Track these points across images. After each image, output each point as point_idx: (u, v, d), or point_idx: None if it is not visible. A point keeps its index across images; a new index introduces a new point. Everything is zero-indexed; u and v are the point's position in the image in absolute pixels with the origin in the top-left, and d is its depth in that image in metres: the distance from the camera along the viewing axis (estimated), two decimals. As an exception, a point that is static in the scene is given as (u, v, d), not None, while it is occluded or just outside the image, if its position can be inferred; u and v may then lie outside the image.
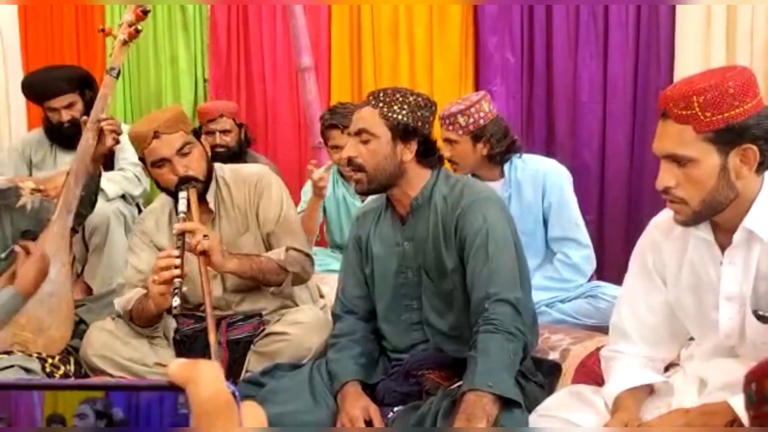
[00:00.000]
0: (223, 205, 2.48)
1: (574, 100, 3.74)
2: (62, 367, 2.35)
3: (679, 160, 1.52)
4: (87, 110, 3.06)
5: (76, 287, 3.03)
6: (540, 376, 2.04)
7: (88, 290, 3.21)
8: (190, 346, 2.42)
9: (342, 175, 3.32)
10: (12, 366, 2.21)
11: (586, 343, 2.24)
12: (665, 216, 1.72)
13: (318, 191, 3.17)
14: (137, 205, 3.47)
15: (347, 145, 2.09)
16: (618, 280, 2.17)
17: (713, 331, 1.65)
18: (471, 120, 2.74)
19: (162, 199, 2.55)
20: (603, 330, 2.37)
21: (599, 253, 3.09)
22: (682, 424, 1.54)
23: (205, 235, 2.18)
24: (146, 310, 2.29)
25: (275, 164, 3.93)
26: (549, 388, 2.04)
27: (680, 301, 1.71)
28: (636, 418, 1.62)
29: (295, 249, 2.44)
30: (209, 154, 2.48)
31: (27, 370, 2.23)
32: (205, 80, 4.55)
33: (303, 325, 2.36)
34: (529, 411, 1.82)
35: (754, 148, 1.49)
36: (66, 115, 3.32)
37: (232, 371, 2.33)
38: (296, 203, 3.42)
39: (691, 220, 1.58)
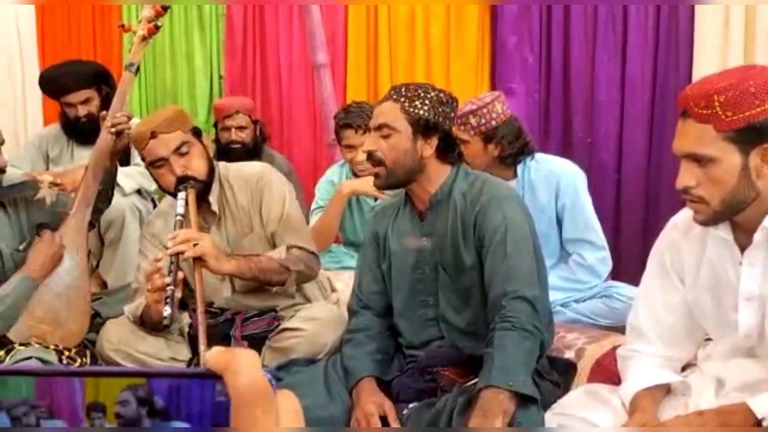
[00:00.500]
0: (228, 207, 2.45)
1: (592, 99, 3.73)
2: (79, 360, 2.37)
3: (699, 160, 1.51)
4: (104, 105, 3.08)
5: (92, 281, 3.05)
6: (555, 375, 2.04)
7: (103, 284, 3.23)
8: (204, 341, 2.42)
9: (355, 173, 3.32)
10: (29, 358, 2.23)
11: (602, 343, 2.24)
12: (684, 216, 1.71)
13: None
14: (152, 200, 3.49)
15: (367, 140, 2.09)
16: (635, 280, 2.15)
17: (731, 331, 1.64)
18: (483, 121, 2.72)
19: (170, 200, 2.54)
20: (618, 330, 2.36)
21: (616, 254, 3.07)
22: (699, 425, 1.53)
23: (195, 244, 2.13)
24: (151, 316, 2.24)
25: (290, 161, 3.94)
26: (564, 387, 2.04)
27: (698, 301, 1.70)
28: (653, 418, 1.61)
29: (298, 247, 2.41)
30: (213, 155, 2.46)
31: (44, 362, 2.24)
32: (220, 77, 4.56)
33: (318, 320, 2.36)
34: (544, 409, 1.81)
35: (775, 147, 1.48)
36: (82, 111, 3.35)
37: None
38: (310, 200, 3.44)
39: (711, 219, 1.57)
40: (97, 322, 2.59)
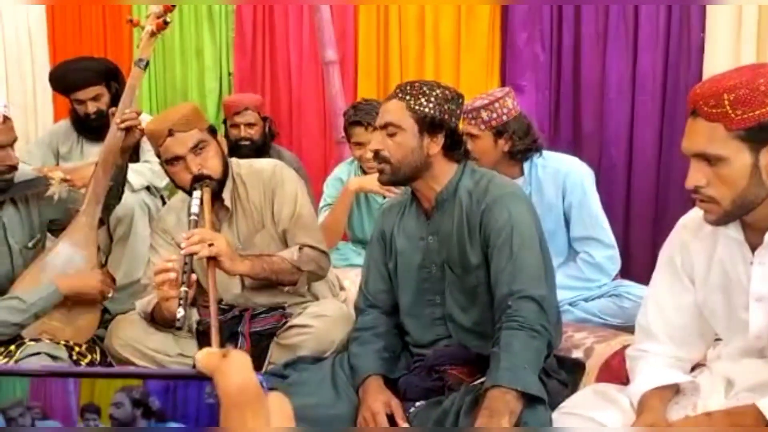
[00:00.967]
0: (240, 203, 2.46)
1: (602, 96, 3.70)
2: (89, 356, 2.38)
3: (709, 159, 1.50)
4: (113, 102, 3.09)
5: (101, 277, 3.05)
6: (563, 374, 2.03)
7: (112, 280, 3.23)
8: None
9: (363, 171, 3.32)
10: (39, 353, 2.24)
11: (610, 342, 2.22)
12: (693, 215, 1.70)
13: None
14: (161, 197, 3.50)
15: (373, 139, 2.09)
16: (644, 279, 2.14)
17: (742, 331, 1.63)
18: (494, 115, 2.72)
19: (181, 195, 2.54)
20: (627, 329, 2.35)
21: (626, 252, 3.06)
22: (707, 426, 1.52)
23: (210, 244, 2.13)
24: (162, 313, 2.25)
25: (299, 158, 3.94)
26: (572, 387, 2.03)
27: (708, 301, 1.69)
28: (662, 419, 1.60)
29: (310, 246, 2.41)
30: (226, 152, 2.46)
31: (54, 358, 2.25)
32: (230, 74, 4.56)
33: (326, 318, 2.36)
34: (552, 409, 1.80)
35: (787, 146, 1.46)
36: (92, 107, 3.36)
37: (255, 363, 2.33)
38: (318, 197, 3.44)
39: (721, 219, 1.56)
40: (105, 318, 2.60)
